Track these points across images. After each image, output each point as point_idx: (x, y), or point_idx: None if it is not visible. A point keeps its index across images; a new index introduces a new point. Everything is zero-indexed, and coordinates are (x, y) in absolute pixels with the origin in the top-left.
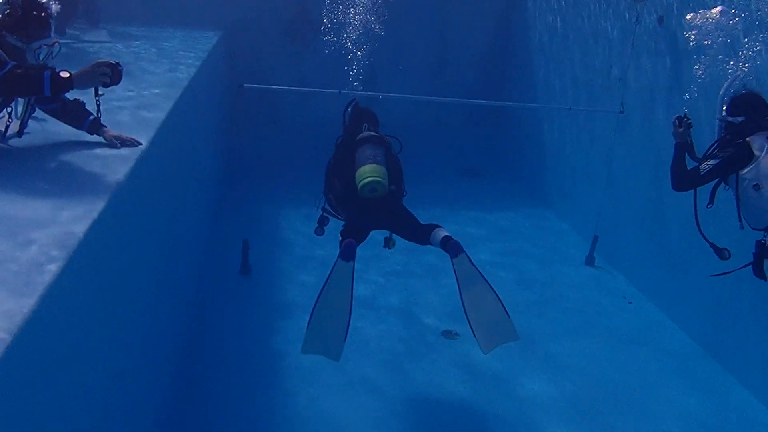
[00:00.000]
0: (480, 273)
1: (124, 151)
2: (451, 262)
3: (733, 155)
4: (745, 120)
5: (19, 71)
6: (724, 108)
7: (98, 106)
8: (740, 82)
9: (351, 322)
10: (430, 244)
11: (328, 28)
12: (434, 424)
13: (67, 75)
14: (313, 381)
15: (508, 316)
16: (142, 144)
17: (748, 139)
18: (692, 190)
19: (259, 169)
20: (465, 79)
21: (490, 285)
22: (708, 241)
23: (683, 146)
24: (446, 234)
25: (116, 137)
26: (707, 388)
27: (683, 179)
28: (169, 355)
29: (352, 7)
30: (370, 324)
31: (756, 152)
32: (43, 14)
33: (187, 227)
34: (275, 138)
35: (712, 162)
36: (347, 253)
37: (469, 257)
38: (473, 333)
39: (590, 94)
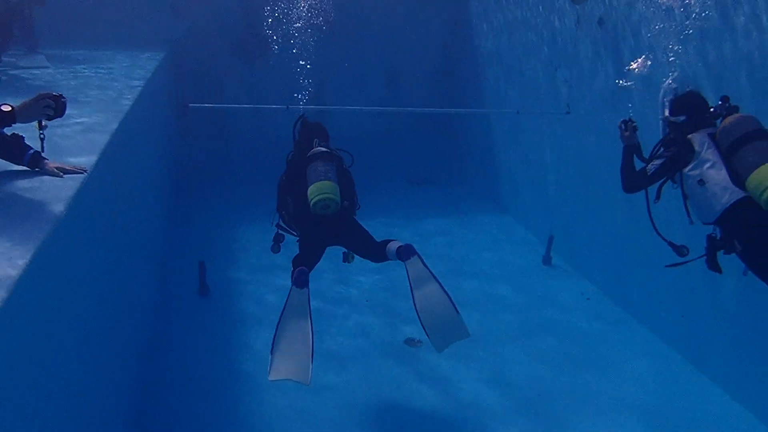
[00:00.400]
0: (432, 273)
1: (68, 180)
2: (404, 265)
3: (676, 153)
4: (686, 119)
5: None
6: (666, 108)
7: (42, 140)
8: (677, 84)
9: (315, 344)
10: (387, 259)
11: (277, 43)
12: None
13: (9, 108)
14: (278, 391)
15: (459, 315)
16: (86, 171)
17: (689, 136)
18: (643, 191)
19: (213, 185)
20: (416, 90)
21: (441, 285)
22: (665, 240)
23: (631, 149)
24: (400, 244)
25: (59, 168)
26: (669, 379)
27: (633, 181)
28: (129, 380)
29: (298, 21)
30: (330, 337)
31: (697, 149)
32: None
33: (140, 249)
34: (227, 154)
35: (657, 162)
36: (300, 281)
37: (421, 258)
38: (426, 333)
39: (538, 98)
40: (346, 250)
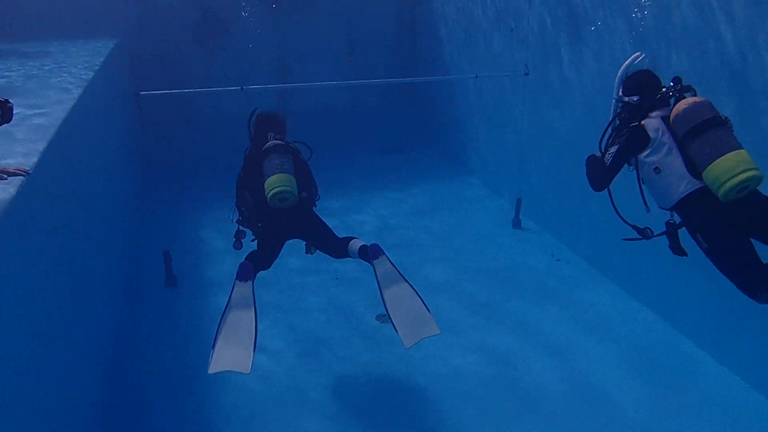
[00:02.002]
0: (399, 272)
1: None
2: (372, 264)
3: (629, 139)
4: (639, 99)
5: None
6: (620, 89)
7: None
8: (640, 62)
9: (258, 335)
10: (348, 256)
11: (232, 23)
12: (373, 406)
13: None
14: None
15: (429, 311)
16: (28, 173)
17: (643, 122)
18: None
19: (178, 173)
20: (377, 61)
21: (409, 283)
22: (628, 224)
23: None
24: (363, 243)
25: (2, 171)
26: (639, 334)
27: (597, 179)
28: (95, 373)
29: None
30: (299, 318)
31: (651, 135)
32: None
33: (99, 239)
34: (190, 140)
35: (612, 150)
36: (243, 274)
37: (389, 258)
38: (395, 330)
39: (497, 59)
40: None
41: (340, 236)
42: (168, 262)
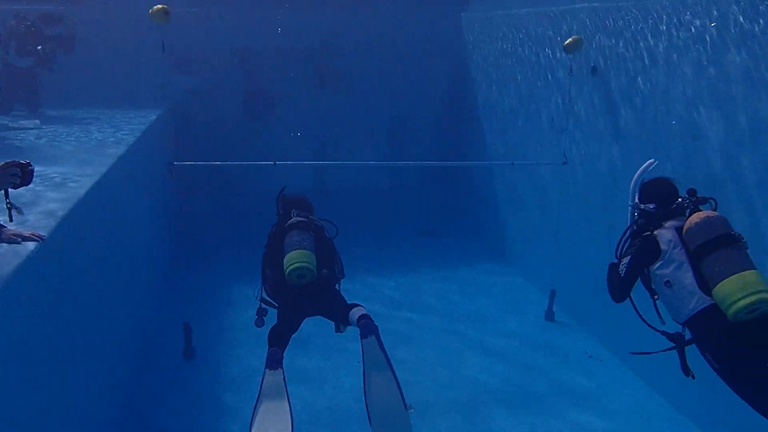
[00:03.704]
0: (387, 358)
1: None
2: (360, 341)
3: (640, 251)
4: (655, 207)
5: None
6: (636, 194)
7: (9, 209)
8: (653, 168)
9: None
10: (348, 324)
11: (279, 100)
12: None
13: None
14: None
15: (406, 410)
16: (45, 237)
17: (655, 233)
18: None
19: (208, 244)
20: (420, 143)
21: (394, 373)
22: (656, 329)
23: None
24: (364, 312)
25: (16, 235)
26: None
27: (616, 289)
28: None
29: (304, 85)
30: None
31: (663, 247)
32: None
33: (119, 308)
34: (224, 213)
35: (626, 260)
36: (273, 361)
37: (379, 340)
38: (368, 417)
39: (537, 148)
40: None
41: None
42: (188, 334)
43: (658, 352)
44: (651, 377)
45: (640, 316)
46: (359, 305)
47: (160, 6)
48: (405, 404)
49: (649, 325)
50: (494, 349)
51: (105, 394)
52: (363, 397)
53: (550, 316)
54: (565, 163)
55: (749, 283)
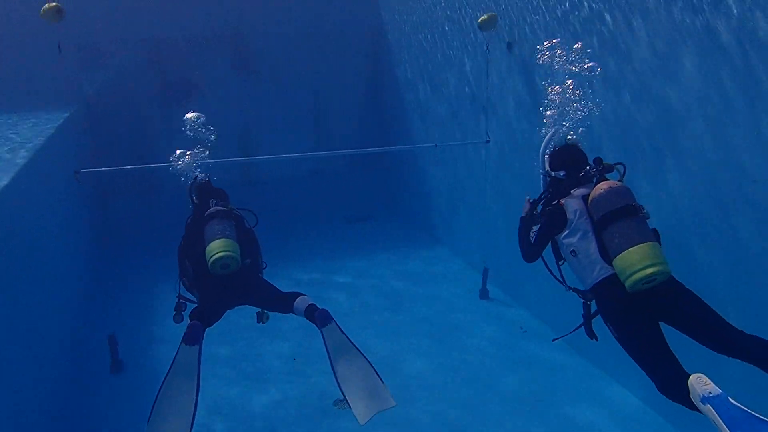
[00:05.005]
0: (350, 341)
1: None
2: (320, 332)
3: (549, 220)
4: (565, 175)
5: None
6: (547, 162)
7: None
8: (561, 135)
9: (197, 415)
10: (293, 313)
11: (202, 92)
12: None
13: None
14: None
15: (383, 383)
16: None
17: (562, 202)
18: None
19: (135, 249)
20: (343, 129)
21: (361, 352)
22: (570, 288)
23: (526, 220)
24: (311, 303)
25: None
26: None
27: (526, 251)
28: None
29: (223, 73)
30: (257, 394)
31: (569, 216)
32: None
33: (35, 323)
34: (148, 214)
35: (535, 228)
36: (192, 336)
37: (338, 325)
38: (348, 403)
39: (461, 127)
40: (259, 310)
41: (285, 291)
42: (114, 347)
43: (570, 333)
44: (578, 344)
45: (553, 274)
46: (301, 294)
47: (53, 4)
48: (380, 378)
49: (562, 282)
50: (428, 330)
51: (27, 415)
52: (336, 386)
53: (484, 294)
54: (488, 141)
55: (647, 256)
